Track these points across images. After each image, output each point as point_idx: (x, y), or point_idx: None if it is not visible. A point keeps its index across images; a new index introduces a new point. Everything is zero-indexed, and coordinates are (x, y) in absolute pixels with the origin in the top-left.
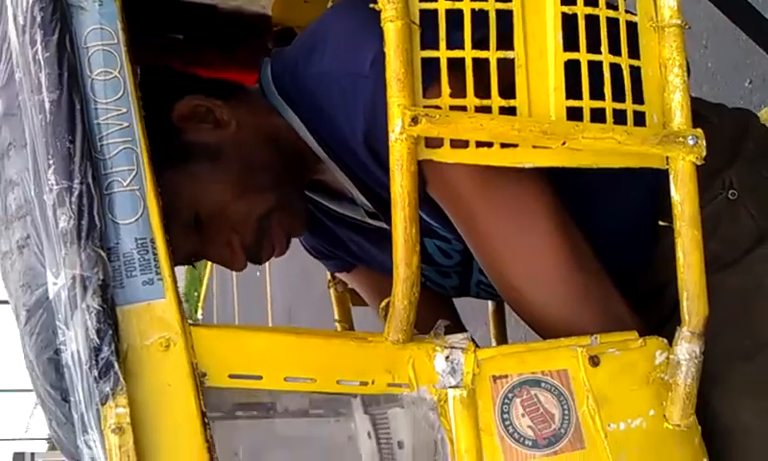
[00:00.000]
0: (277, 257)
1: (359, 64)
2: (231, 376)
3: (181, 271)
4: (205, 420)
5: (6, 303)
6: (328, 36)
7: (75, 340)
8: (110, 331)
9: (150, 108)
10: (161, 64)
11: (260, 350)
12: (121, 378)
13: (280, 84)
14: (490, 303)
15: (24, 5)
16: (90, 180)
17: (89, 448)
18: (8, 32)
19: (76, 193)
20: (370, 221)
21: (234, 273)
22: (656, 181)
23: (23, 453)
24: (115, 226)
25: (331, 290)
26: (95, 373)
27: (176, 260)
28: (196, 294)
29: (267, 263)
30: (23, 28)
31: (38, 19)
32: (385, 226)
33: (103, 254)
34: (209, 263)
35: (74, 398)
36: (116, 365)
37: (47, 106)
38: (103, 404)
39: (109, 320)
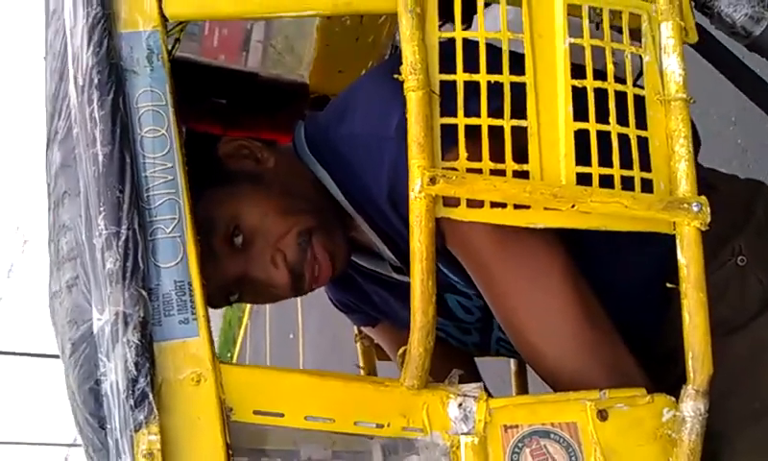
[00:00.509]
0: (321, 283)
1: (385, 128)
2: (256, 413)
3: (216, 330)
4: (230, 452)
5: (39, 355)
6: (359, 102)
7: (115, 371)
8: (147, 364)
9: (196, 146)
10: (204, 126)
11: (283, 389)
12: (155, 408)
13: (312, 143)
14: (512, 363)
15: (84, 68)
16: (136, 226)
17: None
18: (69, 91)
19: (123, 238)
20: (395, 276)
21: (269, 335)
22: (667, 246)
23: None
24: (157, 269)
25: (358, 344)
26: (131, 402)
27: (225, 291)
28: (229, 355)
29: (300, 326)
30: (82, 88)
31: (96, 81)
32: (408, 280)
33: (144, 293)
34: (244, 323)
35: (110, 425)
36: (151, 396)
37: (100, 158)
38: (136, 431)
39: (147, 354)
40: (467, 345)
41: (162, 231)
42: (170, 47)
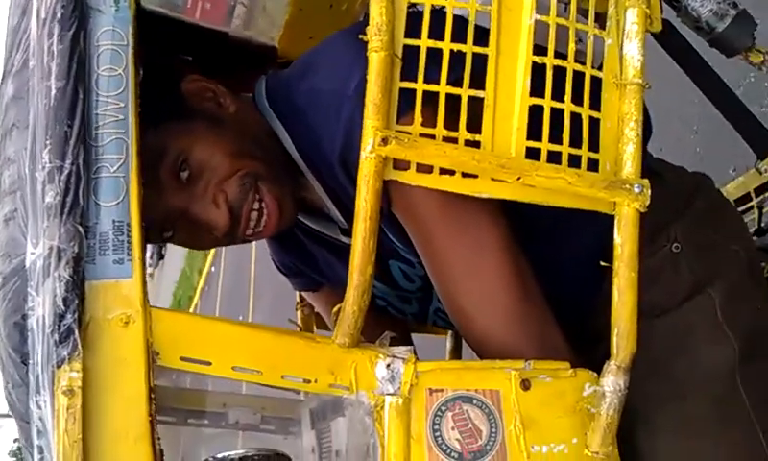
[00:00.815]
0: (266, 232)
1: (345, 86)
2: (183, 359)
3: (176, 276)
4: (152, 396)
5: None
6: (322, 60)
7: (42, 305)
8: (76, 301)
9: (160, 78)
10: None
11: (213, 337)
12: (79, 345)
13: (272, 97)
14: (448, 341)
15: (48, 2)
16: (81, 162)
17: (39, 408)
18: (30, 25)
19: (66, 172)
20: (343, 239)
21: (221, 284)
22: (605, 226)
23: None
24: (97, 207)
25: (298, 311)
26: (56, 337)
27: (164, 226)
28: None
29: (251, 310)
30: (44, 21)
31: (59, 15)
32: None
33: (81, 230)
34: (194, 303)
35: (32, 360)
36: (77, 332)
37: (53, 92)
38: (58, 367)
39: (77, 291)
40: (405, 314)
41: (107, 170)
42: None
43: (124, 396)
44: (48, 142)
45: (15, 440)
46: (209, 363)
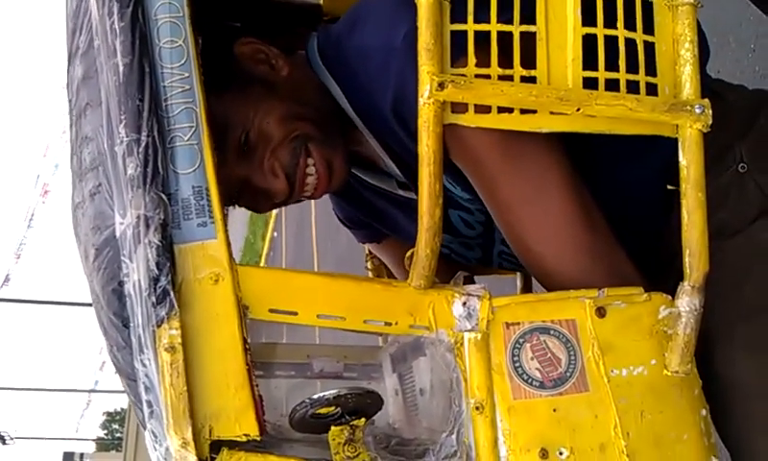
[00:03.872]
0: (319, 192)
1: (392, 38)
2: (271, 311)
3: (240, 244)
4: (247, 346)
5: (61, 303)
6: (368, 14)
7: (137, 271)
8: (168, 264)
9: (216, 41)
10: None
11: (297, 288)
12: (175, 304)
13: (324, 54)
14: (518, 281)
15: None
16: (156, 133)
17: (144, 366)
18: (90, 6)
19: (143, 144)
20: (400, 192)
21: (285, 247)
22: (669, 152)
23: (72, 453)
24: (175, 175)
25: (368, 262)
26: (153, 299)
27: (229, 192)
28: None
29: (315, 247)
30: (103, 1)
31: None
32: (414, 196)
33: (164, 197)
34: (267, 236)
35: (133, 323)
36: (172, 293)
37: (121, 68)
38: (158, 326)
39: (167, 254)
40: (470, 260)
41: (180, 139)
42: None
43: (220, 348)
44: (123, 117)
45: (104, 413)
46: (296, 313)
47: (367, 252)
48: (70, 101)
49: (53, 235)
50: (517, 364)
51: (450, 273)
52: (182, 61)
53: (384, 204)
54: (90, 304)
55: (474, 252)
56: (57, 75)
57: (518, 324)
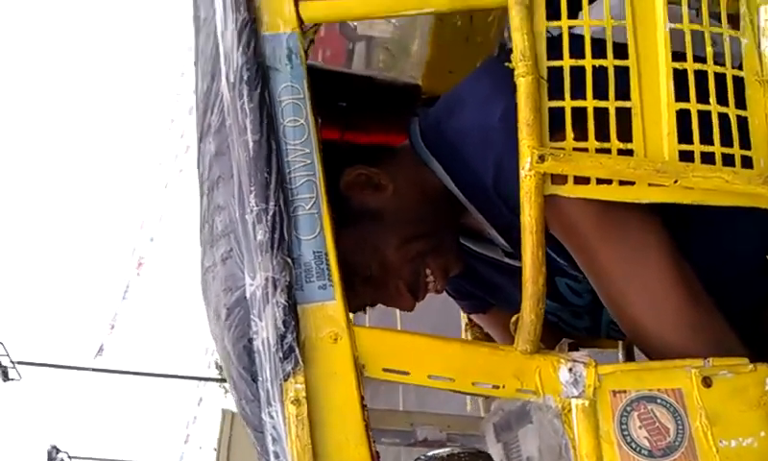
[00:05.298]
0: (440, 291)
1: (490, 117)
2: (385, 370)
3: None
4: (364, 403)
5: (154, 375)
6: (466, 96)
7: (266, 329)
8: (293, 322)
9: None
10: (325, 138)
11: (409, 349)
12: (300, 360)
13: (426, 139)
14: (620, 353)
15: (235, 67)
16: (282, 203)
17: (272, 418)
18: (221, 89)
19: (271, 213)
20: (507, 260)
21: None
22: (766, 223)
23: None
24: (298, 240)
25: (468, 333)
26: (280, 354)
27: (358, 307)
28: None
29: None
30: (233, 84)
31: (245, 77)
32: (519, 264)
33: (290, 261)
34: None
35: (261, 377)
36: (297, 349)
37: (251, 145)
38: (285, 380)
39: (293, 313)
40: (579, 329)
41: (302, 208)
42: (305, 48)
43: (339, 405)
44: (253, 188)
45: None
46: (407, 373)
47: (466, 322)
48: (201, 174)
49: (147, 307)
50: (626, 432)
51: (555, 341)
52: (304, 138)
53: (491, 272)
54: (180, 377)
55: (583, 320)
56: (154, 150)
57: (625, 392)
